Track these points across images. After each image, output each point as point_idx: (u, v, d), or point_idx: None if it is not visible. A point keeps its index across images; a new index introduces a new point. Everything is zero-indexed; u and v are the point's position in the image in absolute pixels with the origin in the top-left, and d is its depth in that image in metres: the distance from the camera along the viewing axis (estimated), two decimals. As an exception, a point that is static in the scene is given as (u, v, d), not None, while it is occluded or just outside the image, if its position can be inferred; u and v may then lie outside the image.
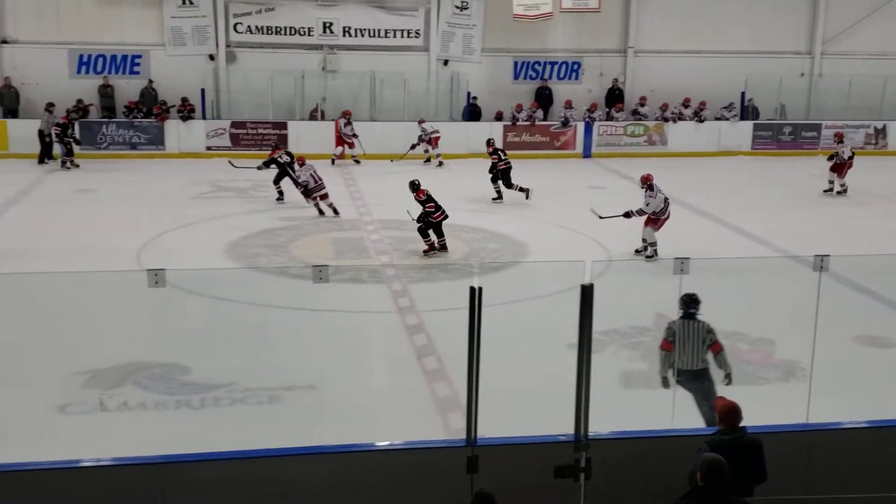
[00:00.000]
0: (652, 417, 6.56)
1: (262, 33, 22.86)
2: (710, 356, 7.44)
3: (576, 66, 24.38)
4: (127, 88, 22.35)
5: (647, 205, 13.12)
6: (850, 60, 24.69)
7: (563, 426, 5.87)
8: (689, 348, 7.42)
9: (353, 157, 21.56)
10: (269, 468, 5.63)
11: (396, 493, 5.71)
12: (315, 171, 15.84)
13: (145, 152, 21.43)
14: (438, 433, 7.31)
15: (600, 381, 6.59)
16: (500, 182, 17.32)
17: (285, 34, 22.94)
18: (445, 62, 23.70)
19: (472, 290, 5.54)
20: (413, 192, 13.65)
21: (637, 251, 13.25)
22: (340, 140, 21.71)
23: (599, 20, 23.61)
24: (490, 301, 5.65)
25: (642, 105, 23.69)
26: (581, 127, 23.17)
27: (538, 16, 22.50)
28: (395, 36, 23.32)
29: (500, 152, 17.62)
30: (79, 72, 22.31)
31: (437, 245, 13.32)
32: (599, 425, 5.89)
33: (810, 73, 25.06)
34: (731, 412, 5.44)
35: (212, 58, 22.68)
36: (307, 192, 15.72)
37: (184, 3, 22.34)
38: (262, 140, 21.91)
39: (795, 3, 24.75)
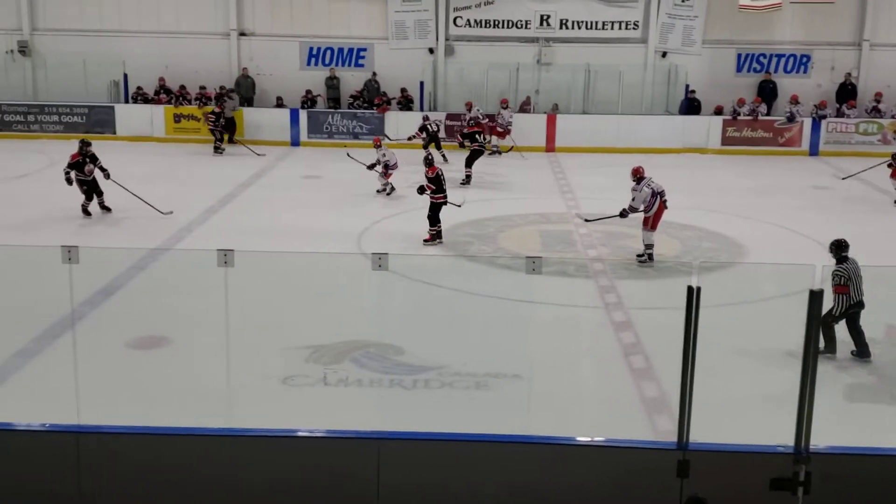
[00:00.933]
0: (878, 435, 6.14)
1: (480, 26, 23.23)
2: None
3: (804, 60, 23.05)
4: (352, 80, 23.43)
5: (634, 199, 12.32)
6: None
7: (780, 437, 5.61)
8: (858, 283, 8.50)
9: (493, 147, 21.23)
10: (474, 451, 5.74)
11: (600, 489, 5.67)
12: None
13: (367, 142, 22.35)
14: (644, 433, 7.18)
15: (823, 392, 6.25)
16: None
17: (502, 27, 23.20)
18: (664, 54, 23.11)
19: (690, 289, 5.39)
20: (426, 167, 13.81)
21: (638, 257, 12.35)
22: (496, 131, 21.53)
23: (832, 11, 22.20)
24: (707, 302, 5.49)
25: (878, 101, 22.04)
26: (808, 123, 21.90)
27: (766, 6, 21.47)
28: (612, 28, 23.01)
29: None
30: (308, 63, 23.62)
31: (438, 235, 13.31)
32: (820, 439, 5.58)
33: None
34: None
35: (431, 51, 23.32)
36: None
37: (408, -3, 23.13)
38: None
39: None
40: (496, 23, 23.19)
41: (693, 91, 22.56)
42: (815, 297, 5.29)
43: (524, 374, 8.50)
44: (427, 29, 23.24)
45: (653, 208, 12.28)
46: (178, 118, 22.53)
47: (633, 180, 12.49)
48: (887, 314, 8.94)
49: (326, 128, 22.57)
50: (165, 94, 22.97)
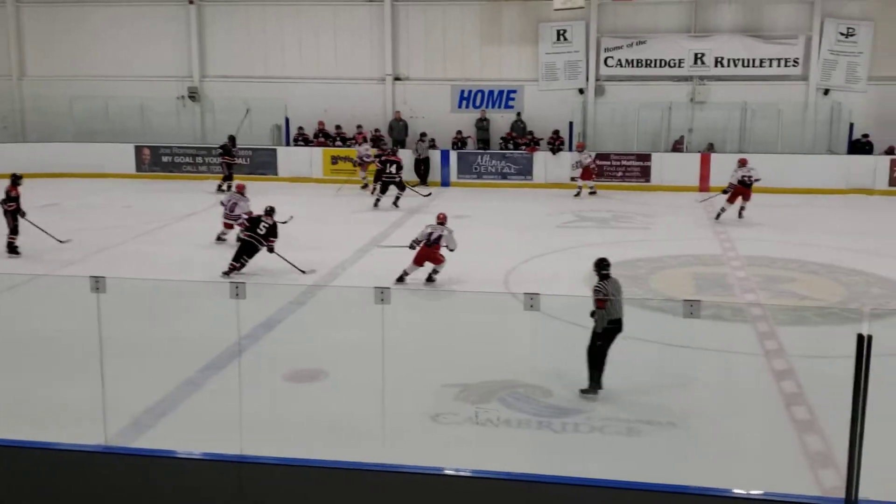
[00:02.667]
0: None
1: (632, 66, 23.06)
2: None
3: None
4: (501, 121, 23.70)
5: None
6: None
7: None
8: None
9: (589, 187, 20.98)
10: (626, 499, 5.60)
11: (762, 545, 5.40)
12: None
13: (514, 182, 22.52)
14: (808, 489, 6.80)
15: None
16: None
17: (655, 66, 22.94)
18: (826, 92, 22.20)
19: (861, 337, 5.10)
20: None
21: None
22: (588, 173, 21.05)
23: None
24: (875, 350, 5.18)
25: None
26: None
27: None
28: (770, 65, 22.33)
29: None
30: (459, 106, 24.09)
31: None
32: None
33: None
34: None
35: (581, 91, 23.30)
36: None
37: (559, 39, 23.22)
38: (625, 171, 22.06)
39: None
40: (648, 62, 22.97)
41: (867, 135, 21.49)
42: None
43: (678, 421, 8.25)
44: (578, 70, 23.26)
45: None
46: (335, 160, 23.38)
47: None
48: None
49: (476, 168, 22.85)
50: (324, 137, 23.92)
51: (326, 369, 9.41)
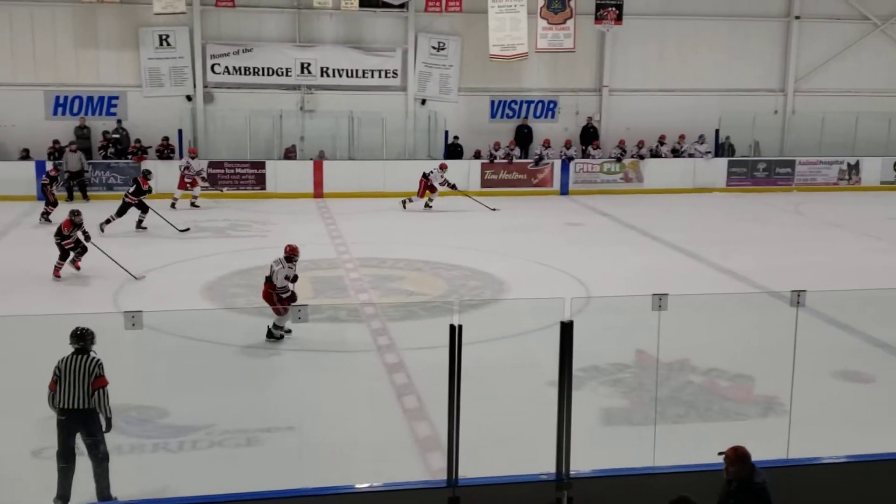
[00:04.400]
0: (633, 455, 6.54)
1: (240, 74, 22.96)
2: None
3: (552, 105, 24.63)
4: (103, 129, 22.30)
5: None
6: (823, 98, 25.12)
7: (545, 465, 5.84)
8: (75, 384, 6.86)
9: (193, 197, 20.37)
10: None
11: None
12: None
13: (122, 193, 21.28)
14: (419, 474, 7.24)
15: (581, 418, 6.59)
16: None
17: (263, 74, 23.05)
18: (423, 101, 23.89)
19: (452, 327, 5.54)
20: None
21: None
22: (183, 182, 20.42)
23: (575, 60, 23.89)
24: (470, 339, 5.65)
25: (622, 150, 23.81)
26: (558, 165, 23.35)
27: (514, 56, 22.73)
28: (372, 76, 23.50)
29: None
30: (55, 113, 22.27)
31: None
32: (581, 463, 5.87)
33: (784, 110, 25.45)
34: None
35: (189, 98, 22.73)
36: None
37: (161, 44, 22.42)
38: (240, 179, 21.93)
39: (768, 41, 25.19)
40: (256, 70, 23.01)
41: (456, 137, 23.45)
42: (566, 328, 5.58)
43: (297, 425, 8.34)
44: (184, 76, 22.65)
45: None
46: None
47: None
48: (637, 340, 9.56)
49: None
50: None
51: None
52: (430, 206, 20.26)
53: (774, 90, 25.46)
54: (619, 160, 23.59)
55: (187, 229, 17.37)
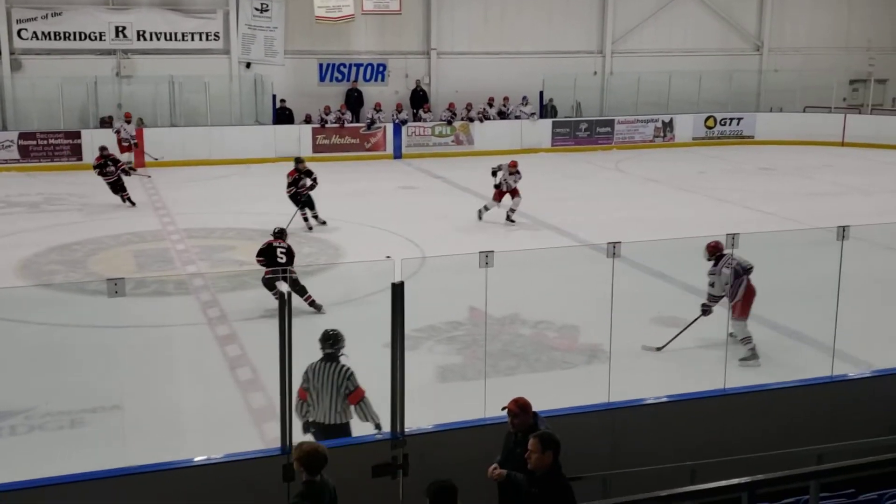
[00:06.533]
0: (467, 409, 6.69)
1: (50, 39, 21.58)
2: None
3: (381, 68, 24.54)
4: None
5: (712, 286, 9.25)
6: (638, 58, 26.28)
7: (385, 425, 5.90)
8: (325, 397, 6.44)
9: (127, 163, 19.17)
10: (69, 495, 5.31)
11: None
12: None
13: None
14: (256, 444, 7.14)
15: (418, 377, 6.68)
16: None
17: (75, 39, 21.77)
18: (248, 65, 23.24)
19: (282, 295, 5.47)
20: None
21: (741, 360, 8.90)
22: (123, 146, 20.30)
23: (402, 22, 23.88)
24: (296, 306, 5.59)
25: (452, 113, 24.01)
26: (390, 129, 23.35)
27: (340, 18, 22.48)
28: (192, 39, 22.63)
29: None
30: None
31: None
32: (417, 421, 5.95)
33: (602, 71, 26.43)
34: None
35: (1, 66, 21.18)
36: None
37: (-42, 6, 20.75)
38: (54, 151, 20.69)
39: (587, 4, 26.03)
40: (68, 35, 21.71)
41: (283, 101, 22.96)
42: (397, 288, 5.62)
43: (124, 403, 8.02)
44: (-14, 41, 21.05)
45: (739, 292, 9.09)
46: None
47: (709, 259, 9.31)
48: (470, 298, 9.75)
49: None
50: None
51: None
52: (513, 221, 15.61)
53: (593, 52, 26.38)
54: (449, 123, 23.85)
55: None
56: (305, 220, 14.99)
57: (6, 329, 9.31)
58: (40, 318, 9.83)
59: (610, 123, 25.40)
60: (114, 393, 8.10)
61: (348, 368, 6.48)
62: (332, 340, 6.57)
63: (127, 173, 17.16)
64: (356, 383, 6.44)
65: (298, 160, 15.41)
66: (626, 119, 25.39)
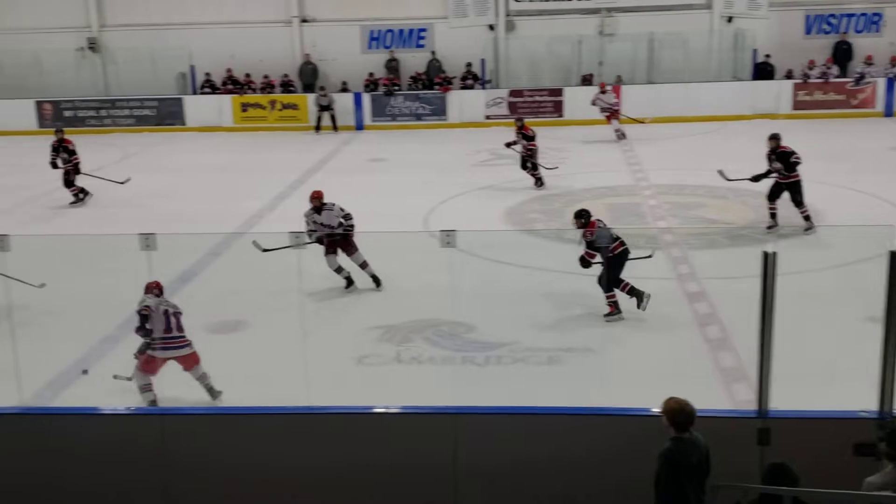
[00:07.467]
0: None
1: (541, 0, 23.00)
2: None
3: (875, 18, 22.29)
4: (412, 61, 23.44)
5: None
6: None
7: (861, 403, 5.48)
8: None
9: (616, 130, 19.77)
10: (550, 425, 5.74)
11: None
12: None
13: (429, 123, 22.38)
14: (722, 403, 7.08)
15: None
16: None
17: (564, 0, 22.93)
18: (729, 19, 22.57)
19: (766, 255, 5.29)
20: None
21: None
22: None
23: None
24: (781, 268, 5.37)
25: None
26: (882, 84, 21.18)
27: (835, -36, 20.78)
28: (675, -6, 22.59)
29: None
30: (369, 47, 23.72)
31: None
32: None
33: None
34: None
35: (491, 28, 23.18)
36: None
37: (466, -26, 23.01)
38: (539, 107, 22.16)
39: None
40: (558, -5, 22.93)
41: (767, 56, 21.98)
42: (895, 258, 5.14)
43: (597, 347, 8.47)
44: (487, 5, 23.10)
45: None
46: (245, 107, 22.88)
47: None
48: None
49: (389, 110, 22.64)
50: (233, 84, 23.35)
51: (248, 319, 9.34)
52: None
53: None
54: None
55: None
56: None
57: (496, 269, 10.32)
58: (524, 261, 10.71)
59: None
60: (588, 336, 8.61)
61: None
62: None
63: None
64: None
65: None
66: None
